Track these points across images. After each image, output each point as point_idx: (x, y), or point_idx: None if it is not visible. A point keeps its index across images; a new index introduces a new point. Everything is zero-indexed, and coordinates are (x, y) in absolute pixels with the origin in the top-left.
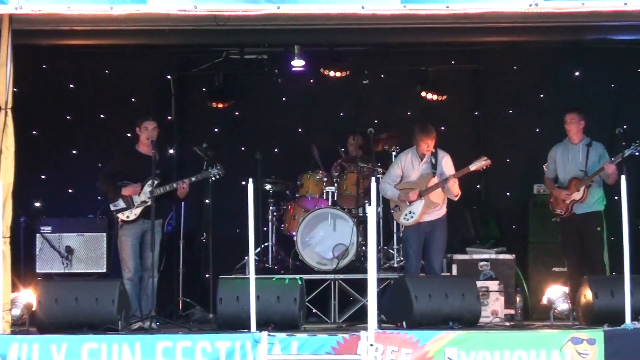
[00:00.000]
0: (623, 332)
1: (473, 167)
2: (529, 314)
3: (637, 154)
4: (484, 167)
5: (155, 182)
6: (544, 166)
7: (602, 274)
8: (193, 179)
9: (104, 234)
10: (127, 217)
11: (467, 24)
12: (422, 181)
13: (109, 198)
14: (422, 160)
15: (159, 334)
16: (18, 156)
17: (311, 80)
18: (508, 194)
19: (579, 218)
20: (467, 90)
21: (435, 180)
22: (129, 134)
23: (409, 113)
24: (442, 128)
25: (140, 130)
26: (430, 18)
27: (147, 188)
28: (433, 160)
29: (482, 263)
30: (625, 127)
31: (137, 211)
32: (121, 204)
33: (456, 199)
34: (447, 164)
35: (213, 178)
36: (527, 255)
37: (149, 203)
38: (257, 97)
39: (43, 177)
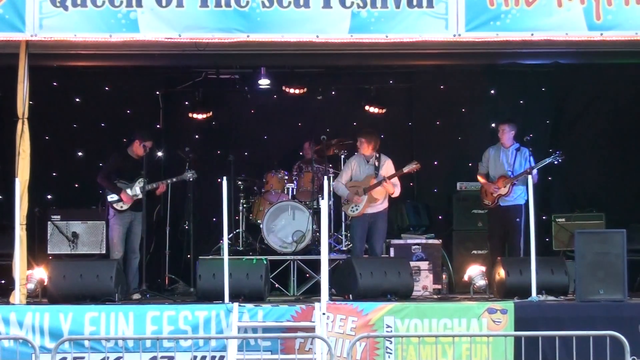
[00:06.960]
0: (529, 304)
1: (406, 169)
2: (453, 289)
3: (555, 162)
4: (415, 170)
5: (144, 180)
6: (478, 164)
7: (518, 256)
8: (175, 179)
9: (104, 222)
10: (121, 207)
11: (403, 50)
12: (366, 180)
13: (107, 191)
14: (367, 162)
15: (149, 304)
16: (33, 157)
17: (275, 96)
18: (436, 190)
19: (502, 209)
20: (403, 104)
21: (374, 180)
22: (124, 139)
23: (355, 123)
24: (382, 136)
25: (140, 145)
26: (372, 45)
27: (138, 185)
28: (376, 164)
29: (414, 247)
30: (531, 135)
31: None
32: (116, 196)
33: (394, 196)
34: (387, 167)
35: (189, 180)
36: (452, 240)
37: (139, 197)
38: (230, 110)
39: (54, 174)
